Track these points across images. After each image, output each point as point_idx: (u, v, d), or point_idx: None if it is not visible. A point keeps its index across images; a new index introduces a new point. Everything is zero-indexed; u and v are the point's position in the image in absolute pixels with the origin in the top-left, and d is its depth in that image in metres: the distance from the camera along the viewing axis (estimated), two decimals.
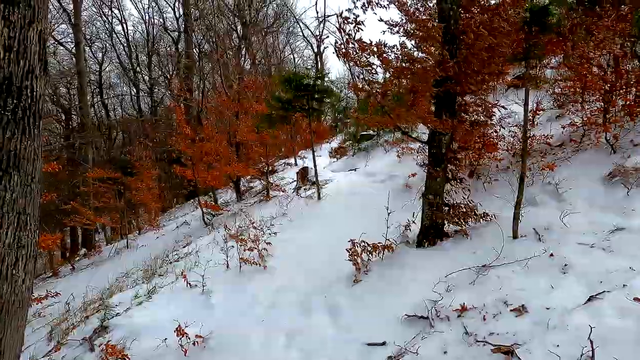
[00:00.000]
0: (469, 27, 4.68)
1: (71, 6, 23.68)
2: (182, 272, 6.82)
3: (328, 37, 33.29)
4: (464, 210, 5.67)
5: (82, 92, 23.68)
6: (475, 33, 4.44)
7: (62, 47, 26.58)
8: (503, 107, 6.38)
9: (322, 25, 31.22)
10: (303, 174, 11.99)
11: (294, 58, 37.20)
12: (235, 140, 14.82)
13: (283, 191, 12.59)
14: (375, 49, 4.76)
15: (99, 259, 14.94)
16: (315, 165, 9.94)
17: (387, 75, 5.62)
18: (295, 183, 13.73)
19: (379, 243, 5.60)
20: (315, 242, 7.31)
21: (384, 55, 4.82)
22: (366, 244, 5.54)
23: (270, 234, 7.28)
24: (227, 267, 6.89)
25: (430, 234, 5.68)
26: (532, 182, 6.62)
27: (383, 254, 5.62)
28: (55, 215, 21.66)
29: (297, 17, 32.25)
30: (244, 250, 6.67)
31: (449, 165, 5.71)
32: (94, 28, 30.22)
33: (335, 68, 73.66)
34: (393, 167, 10.62)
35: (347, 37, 5.00)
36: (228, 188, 19.34)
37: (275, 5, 31.34)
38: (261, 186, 15.40)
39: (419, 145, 10.48)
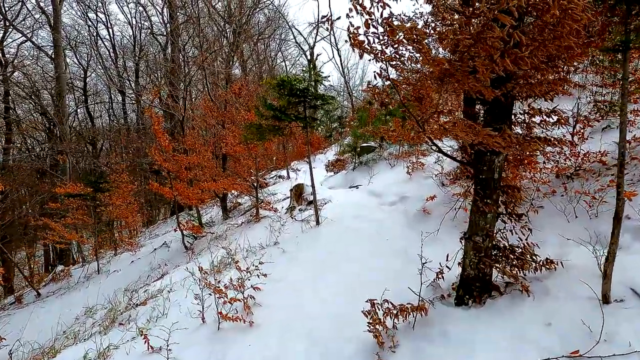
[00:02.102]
0: None
1: (51, 7, 22.19)
2: (141, 333, 5.19)
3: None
4: (521, 254, 4.18)
5: (61, 97, 22.14)
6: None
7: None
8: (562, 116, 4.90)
9: (315, 31, 30.03)
10: (298, 192, 10.44)
11: (285, 66, 36.02)
12: (221, 152, 13.26)
13: (275, 210, 11.06)
14: (413, 34, 3.25)
15: (66, 285, 13.23)
16: (313, 183, 8.42)
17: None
18: (288, 200, 12.20)
19: (407, 304, 4.05)
20: (316, 286, 5.75)
21: (424, 42, 3.32)
22: (390, 305, 4.01)
23: (258, 275, 5.72)
24: (203, 321, 5.29)
25: (476, 287, 4.16)
26: (596, 214, 5.17)
27: (415, 318, 4.09)
28: (30, 231, 20.16)
29: (289, 24, 30.92)
30: (224, 303, 5.10)
31: (501, 195, 4.22)
32: (78, 33, 28.63)
33: (328, 74, 72.46)
34: (403, 185, 9.12)
35: (366, 17, 3.49)
36: (214, 203, 17.76)
37: (267, 11, 29.98)
38: (250, 202, 13.84)
39: (438, 156, 9.03)
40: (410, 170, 9.40)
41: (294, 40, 32.92)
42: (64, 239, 14.08)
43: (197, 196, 11.58)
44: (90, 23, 28.95)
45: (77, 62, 29.35)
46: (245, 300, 5.34)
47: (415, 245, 6.31)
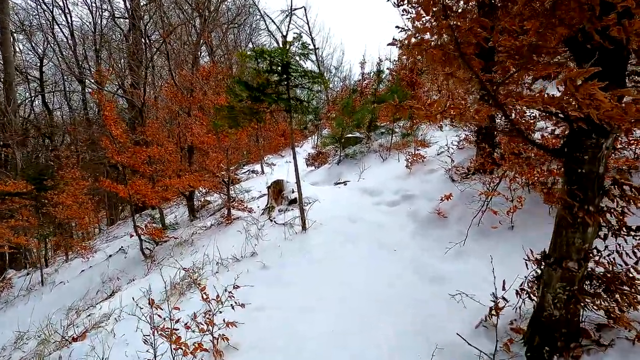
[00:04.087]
0: None
1: None
2: None
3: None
4: (622, 284, 2.84)
5: (9, 84, 19.84)
6: None
7: None
8: None
9: (288, 19, 28.43)
10: (276, 189, 8.93)
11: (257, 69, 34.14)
12: (187, 144, 11.57)
13: (249, 211, 9.52)
14: None
15: (4, 298, 11.32)
16: (298, 179, 6.93)
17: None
18: (264, 199, 10.67)
19: None
20: (310, 319, 4.28)
21: None
22: None
23: (233, 304, 4.22)
24: None
25: (561, 334, 2.80)
26: None
27: None
28: None
29: (262, 11, 29.20)
30: (184, 355, 3.57)
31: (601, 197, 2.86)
32: (32, 17, 26.08)
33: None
34: (403, 181, 7.75)
35: None
36: (180, 201, 16.01)
37: None
38: (221, 201, 12.22)
39: (440, 146, 7.64)
40: (409, 164, 8.02)
41: (265, 29, 31.29)
42: (10, 242, 12.12)
43: (158, 195, 9.89)
44: (45, 7, 26.37)
45: (32, 50, 26.89)
46: (215, 343, 3.84)
47: (434, 259, 4.96)
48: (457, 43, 2.36)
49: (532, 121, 5.30)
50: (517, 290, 3.28)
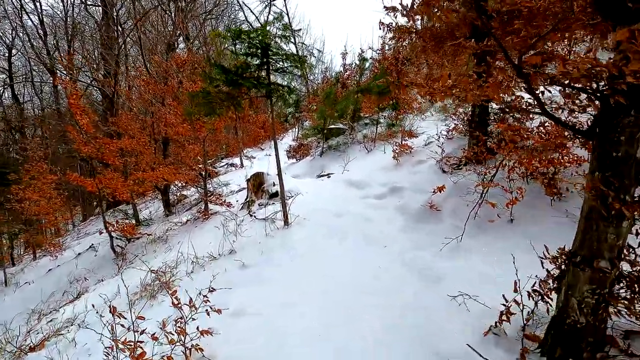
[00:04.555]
0: None
1: None
2: None
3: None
4: None
5: None
6: None
7: None
8: None
9: (268, 9, 27.76)
10: (256, 183, 8.44)
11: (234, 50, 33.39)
12: (161, 136, 10.95)
13: (228, 205, 9.02)
14: None
15: None
16: (279, 171, 6.47)
17: None
18: (243, 193, 10.17)
19: None
20: (294, 326, 3.85)
21: None
22: None
23: (209, 309, 3.75)
24: None
25: (589, 345, 2.43)
26: None
27: None
28: None
29: (240, 2, 28.43)
30: None
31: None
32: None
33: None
34: (390, 173, 7.37)
35: None
36: (156, 196, 15.35)
37: None
38: (198, 195, 11.66)
39: (428, 136, 7.24)
40: (397, 155, 7.64)
41: (244, 19, 30.48)
42: None
43: (129, 189, 9.28)
44: None
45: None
46: (187, 355, 3.38)
47: (429, 255, 4.59)
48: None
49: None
50: (529, 292, 2.90)
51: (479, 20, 2.07)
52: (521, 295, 2.87)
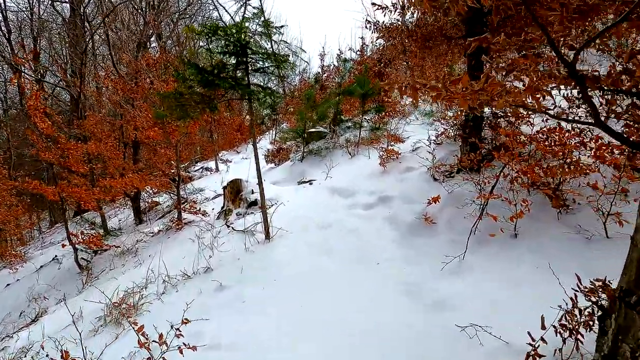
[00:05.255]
0: None
1: None
2: None
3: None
4: None
5: None
6: None
7: None
8: None
9: (243, 9, 27.11)
10: (234, 190, 7.91)
11: (209, 48, 32.61)
12: (131, 140, 10.29)
13: (203, 214, 8.48)
14: None
15: None
16: (260, 178, 5.96)
17: None
18: (219, 200, 9.62)
19: None
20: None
21: None
22: None
23: (180, 346, 3.22)
24: None
25: None
26: None
27: None
28: None
29: (215, 1, 27.71)
30: None
31: None
32: None
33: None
34: (377, 181, 6.95)
35: None
36: (126, 202, 14.57)
37: None
38: (171, 202, 11.03)
39: (414, 142, 6.87)
40: (383, 161, 7.25)
41: (218, 19, 29.74)
42: None
43: (96, 197, 8.61)
44: None
45: None
46: None
47: (429, 276, 4.18)
48: None
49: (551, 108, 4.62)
50: (554, 327, 2.51)
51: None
52: (559, 333, 2.48)
